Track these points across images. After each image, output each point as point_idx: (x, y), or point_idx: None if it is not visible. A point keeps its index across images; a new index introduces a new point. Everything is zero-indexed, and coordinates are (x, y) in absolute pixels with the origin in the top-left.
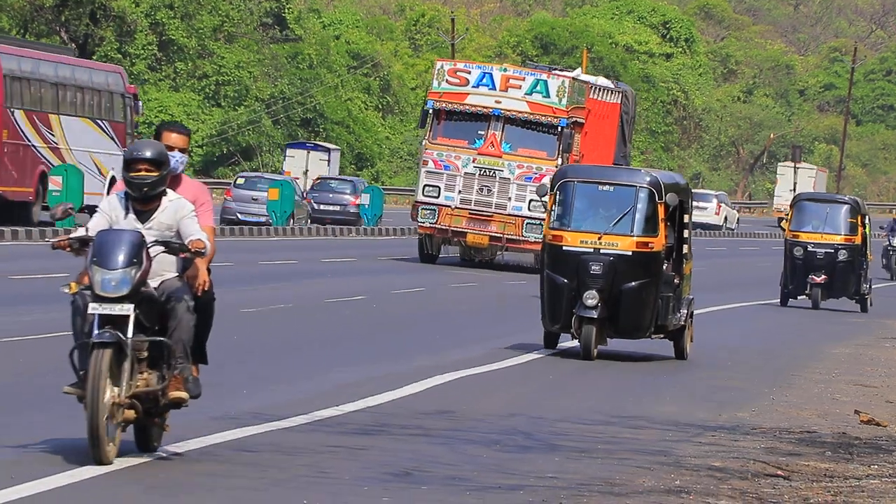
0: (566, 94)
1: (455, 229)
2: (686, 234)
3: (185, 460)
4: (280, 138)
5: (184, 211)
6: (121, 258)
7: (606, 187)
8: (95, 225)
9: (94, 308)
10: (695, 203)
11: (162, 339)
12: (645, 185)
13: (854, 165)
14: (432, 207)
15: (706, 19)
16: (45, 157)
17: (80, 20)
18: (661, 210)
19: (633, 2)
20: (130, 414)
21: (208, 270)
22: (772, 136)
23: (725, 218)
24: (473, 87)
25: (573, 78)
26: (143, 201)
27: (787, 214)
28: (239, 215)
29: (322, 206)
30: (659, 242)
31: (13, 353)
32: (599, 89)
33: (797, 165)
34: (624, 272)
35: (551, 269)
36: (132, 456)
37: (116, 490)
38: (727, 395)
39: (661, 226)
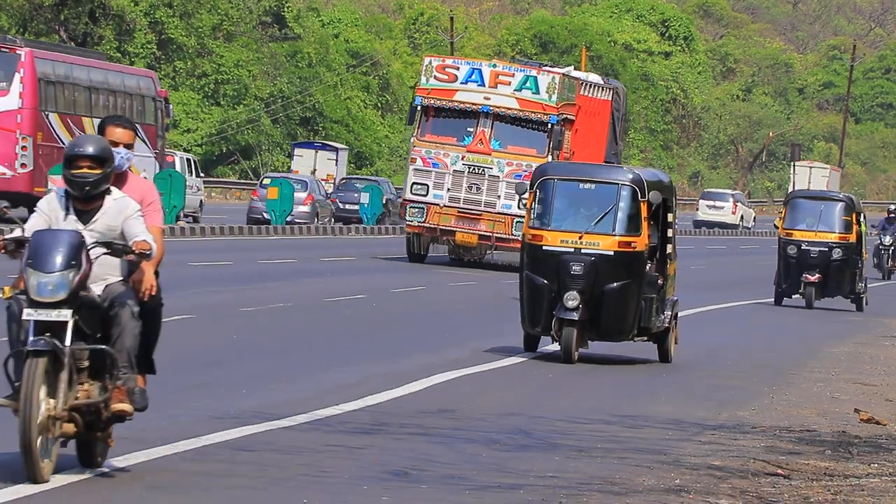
0: (556, 91)
1: (444, 228)
2: (670, 233)
3: (184, 460)
4: (279, 137)
5: (128, 211)
6: (58, 260)
7: (587, 185)
8: (32, 225)
9: (29, 314)
10: (712, 203)
11: (104, 347)
12: (627, 183)
13: (853, 164)
14: (421, 206)
15: (705, 17)
16: None
17: (79, 19)
18: (643, 208)
19: (631, 0)
20: (69, 428)
21: (156, 274)
22: (771, 134)
23: (742, 217)
24: (462, 83)
25: (563, 74)
26: (84, 201)
27: (781, 212)
28: (265, 214)
29: (347, 206)
30: (642, 242)
31: None
32: (590, 86)
33: (811, 165)
34: (606, 273)
35: (531, 269)
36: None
37: (116, 490)
38: (727, 393)
39: (644, 225)
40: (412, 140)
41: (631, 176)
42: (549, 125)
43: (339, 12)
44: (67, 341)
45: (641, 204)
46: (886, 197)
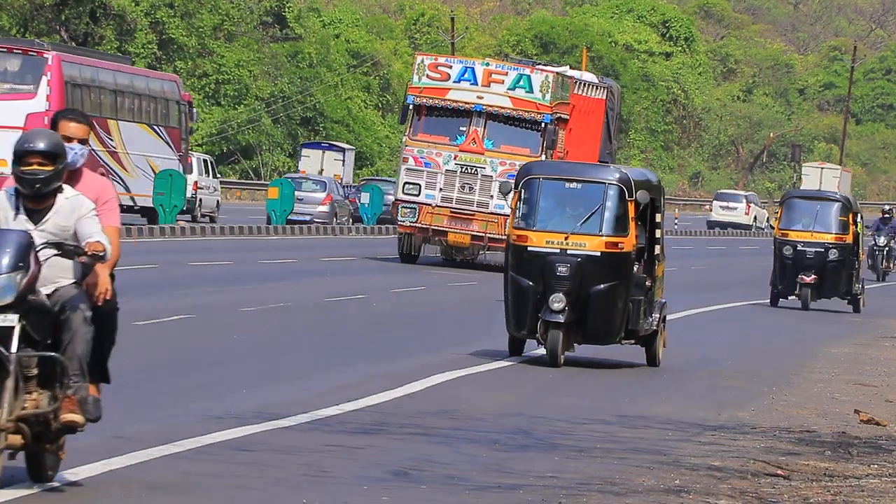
0: (550, 90)
1: (436, 228)
2: (658, 233)
3: (184, 460)
4: (280, 137)
5: (82, 210)
6: (4, 262)
7: (573, 184)
8: None
9: None
10: (726, 203)
11: (53, 354)
12: (614, 182)
13: (854, 164)
14: (412, 206)
15: (706, 18)
16: (104, 162)
17: (80, 19)
18: (631, 208)
19: (632, 1)
20: (16, 440)
21: (112, 277)
22: (771, 135)
23: (755, 218)
24: (455, 82)
25: (557, 73)
26: (35, 199)
27: (777, 212)
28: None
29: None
30: (629, 242)
31: None
32: (584, 84)
33: (822, 166)
34: (592, 274)
35: (516, 270)
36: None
37: (116, 490)
38: (726, 394)
39: (632, 225)
40: (404, 139)
41: (618, 175)
42: (543, 124)
43: (339, 12)
44: (13, 348)
45: (629, 203)
46: (887, 198)
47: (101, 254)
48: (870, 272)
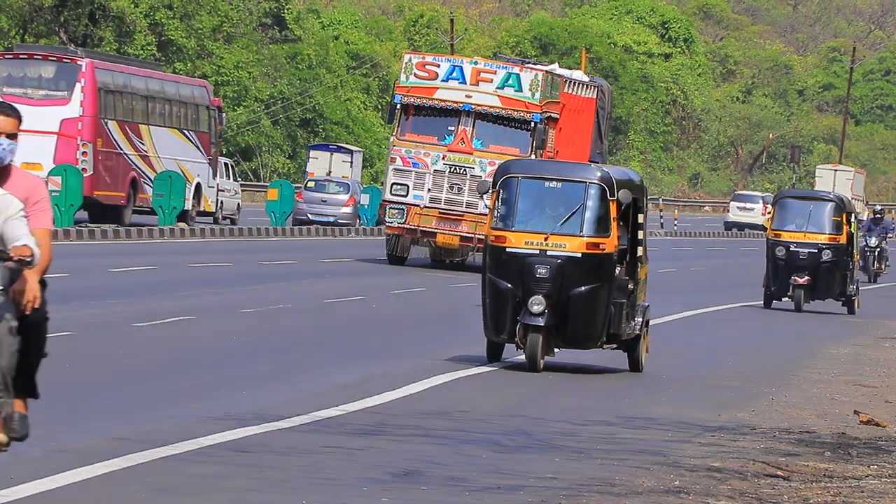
0: (539, 89)
1: (424, 229)
2: (641, 235)
3: (183, 461)
4: (279, 139)
5: (10, 210)
6: None
7: (553, 183)
8: None
9: None
10: (743, 205)
11: None
12: (595, 182)
13: (853, 165)
14: (400, 207)
15: (705, 19)
16: (136, 165)
17: (79, 20)
18: (613, 208)
19: (631, 2)
20: None
21: (42, 283)
22: (771, 136)
23: None
24: (443, 80)
25: (547, 71)
26: None
27: (770, 212)
28: (310, 216)
29: None
30: (611, 243)
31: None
32: (574, 83)
33: (835, 168)
34: (572, 276)
35: (494, 272)
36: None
37: (115, 491)
38: (726, 395)
39: (614, 225)
40: (392, 139)
41: (599, 174)
42: (533, 124)
43: (339, 14)
44: None
45: (610, 203)
46: (886, 199)
47: (28, 259)
48: (861, 274)
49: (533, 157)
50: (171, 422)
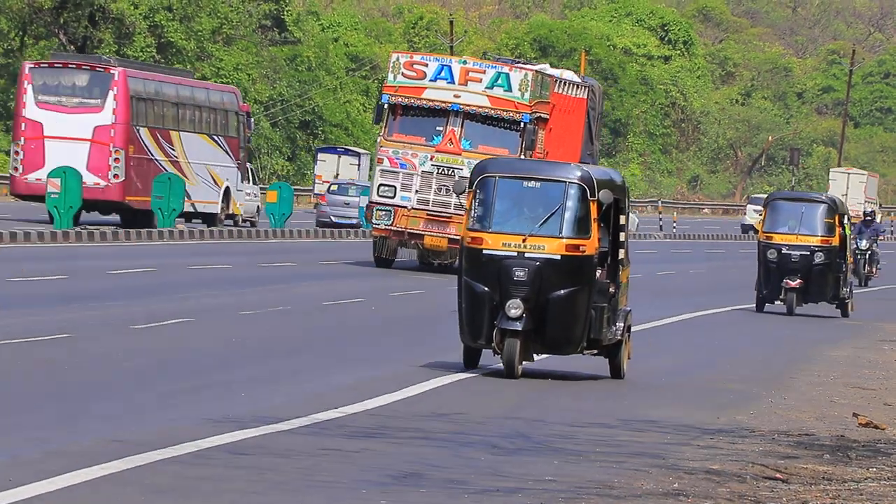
0: (529, 88)
1: (412, 231)
2: (622, 237)
3: (182, 463)
4: (278, 141)
5: None
6: None
7: (532, 183)
8: None
9: None
10: (758, 207)
11: None
12: (575, 181)
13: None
14: (388, 208)
15: (704, 22)
16: (166, 170)
17: (78, 22)
18: (593, 209)
19: (631, 4)
20: None
21: None
22: (770, 138)
23: None
24: (431, 80)
25: (536, 71)
26: None
27: (761, 214)
28: (333, 218)
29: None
30: (591, 245)
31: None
32: (564, 83)
33: (848, 171)
34: (551, 278)
35: (470, 275)
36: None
37: (114, 493)
38: (725, 397)
39: (594, 227)
40: (379, 140)
41: (579, 173)
42: (522, 124)
43: (338, 16)
44: None
45: (591, 204)
46: (886, 201)
47: None
48: (852, 277)
49: (523, 157)
50: (169, 424)
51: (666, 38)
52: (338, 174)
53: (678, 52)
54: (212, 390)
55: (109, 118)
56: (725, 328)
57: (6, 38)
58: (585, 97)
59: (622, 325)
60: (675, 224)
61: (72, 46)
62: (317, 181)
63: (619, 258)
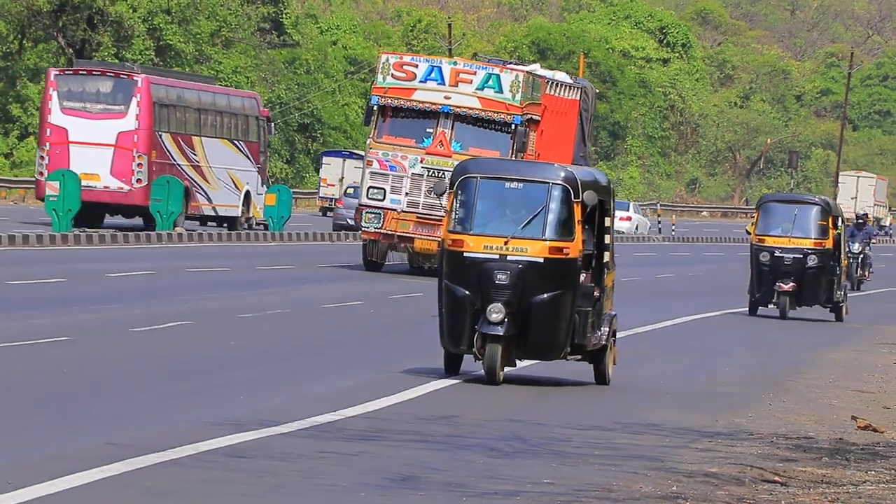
0: (520, 90)
1: (401, 234)
2: (607, 239)
3: (181, 466)
4: (277, 144)
5: None
6: None
7: (514, 184)
8: None
9: None
10: None
11: None
12: (559, 182)
13: (851, 171)
14: (377, 211)
15: (703, 24)
16: (188, 175)
17: (77, 25)
18: (577, 211)
19: (629, 7)
20: None
21: None
22: (768, 141)
23: None
24: (421, 81)
25: (528, 72)
26: None
27: (754, 217)
28: (349, 220)
29: None
30: (575, 248)
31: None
32: (557, 84)
33: (858, 175)
34: (534, 282)
35: (450, 279)
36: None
37: (113, 496)
38: (724, 400)
39: (578, 229)
40: (368, 141)
41: (563, 174)
42: (513, 126)
43: (337, 19)
44: None
45: (575, 205)
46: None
47: None
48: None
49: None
50: (168, 426)
51: (664, 41)
52: (343, 177)
53: (677, 54)
54: (211, 393)
55: (133, 124)
56: (718, 332)
57: (4, 42)
58: (578, 98)
59: (607, 329)
60: (673, 227)
61: (70, 49)
62: (322, 184)
63: (605, 261)
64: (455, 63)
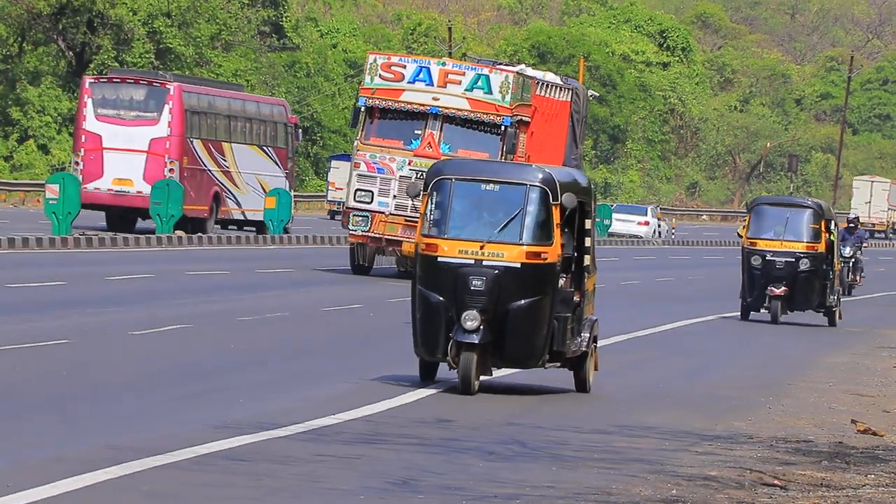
0: (510, 91)
1: (389, 238)
2: (588, 242)
3: (180, 469)
4: None
5: None
6: None
7: (490, 186)
8: None
9: None
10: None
11: None
12: (537, 184)
13: (850, 175)
14: (365, 214)
15: (703, 28)
16: (218, 180)
17: (77, 28)
18: (556, 213)
19: (629, 11)
20: None
21: None
22: (768, 145)
23: None
24: (409, 82)
25: (517, 73)
26: None
27: (745, 220)
28: None
29: None
30: (553, 252)
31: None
32: (547, 86)
33: (872, 179)
34: (511, 288)
35: (424, 284)
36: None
37: (112, 499)
38: (723, 404)
39: (557, 232)
40: (356, 143)
41: (540, 175)
42: (503, 127)
43: (337, 22)
44: None
45: (553, 208)
46: None
47: None
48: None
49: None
50: (168, 430)
51: (664, 45)
52: (350, 181)
53: (677, 58)
54: (210, 396)
55: (165, 131)
56: (715, 336)
57: (4, 44)
58: (569, 100)
59: (588, 335)
60: (673, 230)
61: (70, 53)
62: (330, 188)
63: (585, 265)
64: (444, 63)
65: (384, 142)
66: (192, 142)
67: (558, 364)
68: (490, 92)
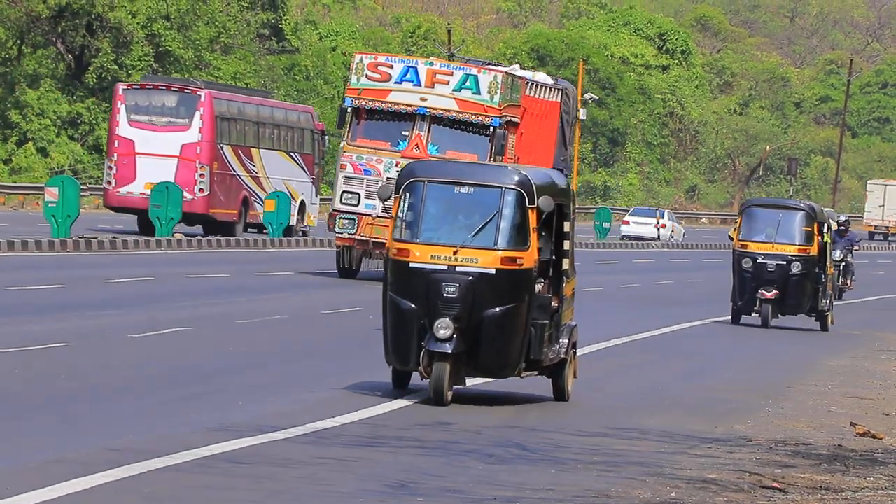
0: (499, 91)
1: (377, 240)
2: (566, 245)
3: (180, 471)
4: None
5: None
6: None
7: (464, 188)
8: None
9: None
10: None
11: None
12: (512, 186)
13: (850, 178)
14: (351, 217)
15: (702, 31)
16: (247, 185)
17: (76, 31)
18: (532, 217)
19: (629, 14)
20: None
21: None
22: (767, 148)
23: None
24: (396, 82)
25: (506, 73)
26: None
27: (736, 222)
28: None
29: None
30: (530, 257)
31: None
32: (537, 86)
33: (886, 182)
34: (485, 295)
35: (395, 291)
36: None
37: (113, 501)
38: (723, 407)
39: (533, 237)
40: (342, 145)
41: (516, 178)
42: (491, 128)
43: (336, 25)
44: None
45: (529, 211)
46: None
47: None
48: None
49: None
50: (168, 432)
51: (664, 48)
52: None
53: (676, 61)
54: (210, 399)
55: (196, 136)
56: (717, 338)
57: (4, 47)
58: (559, 101)
59: (566, 342)
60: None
61: (69, 55)
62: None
63: (564, 269)
64: (431, 63)
65: (371, 143)
66: (222, 147)
67: (535, 372)
68: (478, 92)
